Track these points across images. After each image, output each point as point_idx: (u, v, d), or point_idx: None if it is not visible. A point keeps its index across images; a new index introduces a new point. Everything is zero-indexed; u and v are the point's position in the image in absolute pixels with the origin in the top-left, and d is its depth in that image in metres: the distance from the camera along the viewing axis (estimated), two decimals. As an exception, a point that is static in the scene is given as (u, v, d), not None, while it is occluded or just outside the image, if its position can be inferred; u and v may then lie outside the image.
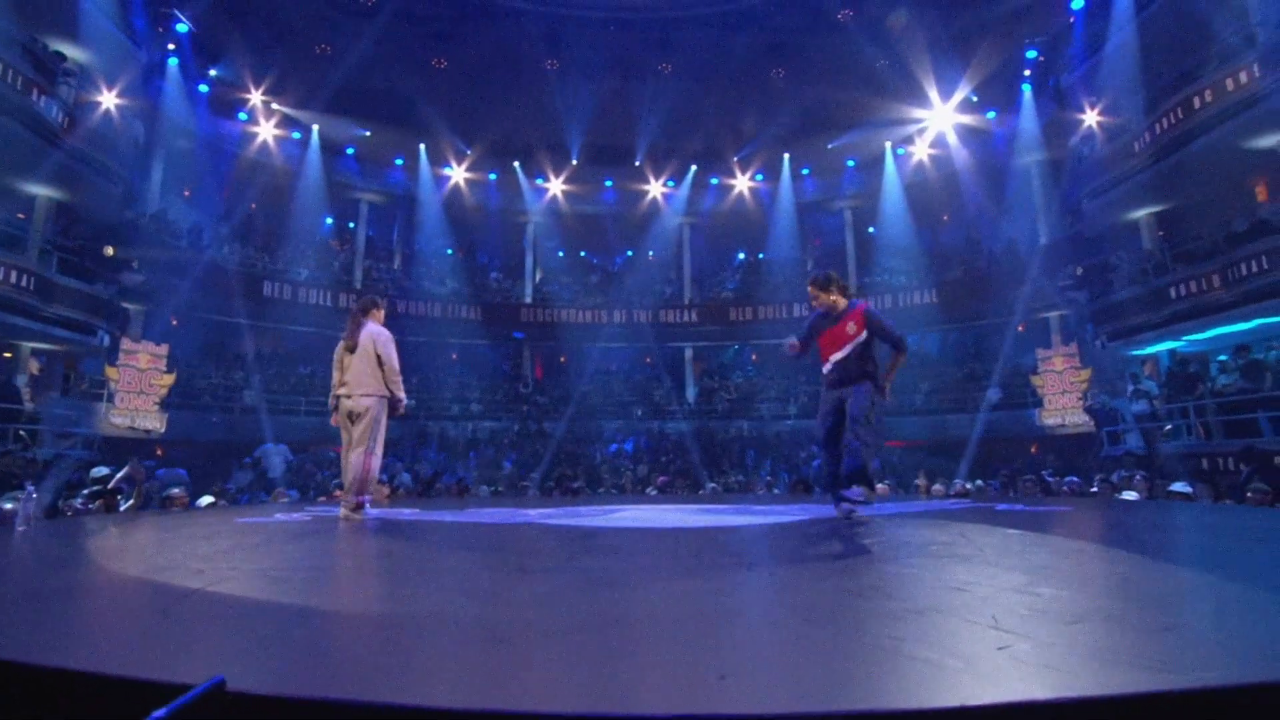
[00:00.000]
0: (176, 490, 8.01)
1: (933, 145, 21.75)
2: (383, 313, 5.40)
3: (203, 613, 1.84)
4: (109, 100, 14.21)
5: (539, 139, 23.95)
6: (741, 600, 2.10)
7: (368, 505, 5.11)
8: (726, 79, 23.37)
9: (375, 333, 5.09)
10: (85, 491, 7.25)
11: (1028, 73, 18.58)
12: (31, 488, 4.73)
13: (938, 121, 21.30)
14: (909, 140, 22.08)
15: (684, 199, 24.87)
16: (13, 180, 13.09)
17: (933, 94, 20.90)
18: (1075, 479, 10.32)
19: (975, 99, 20.32)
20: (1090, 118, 15.95)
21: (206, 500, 8.61)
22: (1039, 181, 18.78)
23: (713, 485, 14.51)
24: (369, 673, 1.33)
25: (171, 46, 16.67)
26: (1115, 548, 3.30)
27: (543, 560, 3.11)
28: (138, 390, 14.84)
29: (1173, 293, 13.37)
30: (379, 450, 5.08)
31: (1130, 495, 8.64)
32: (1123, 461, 11.77)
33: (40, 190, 13.67)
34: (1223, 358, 13.45)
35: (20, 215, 14.01)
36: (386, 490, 9.81)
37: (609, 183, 25.36)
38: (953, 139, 21.07)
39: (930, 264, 21.79)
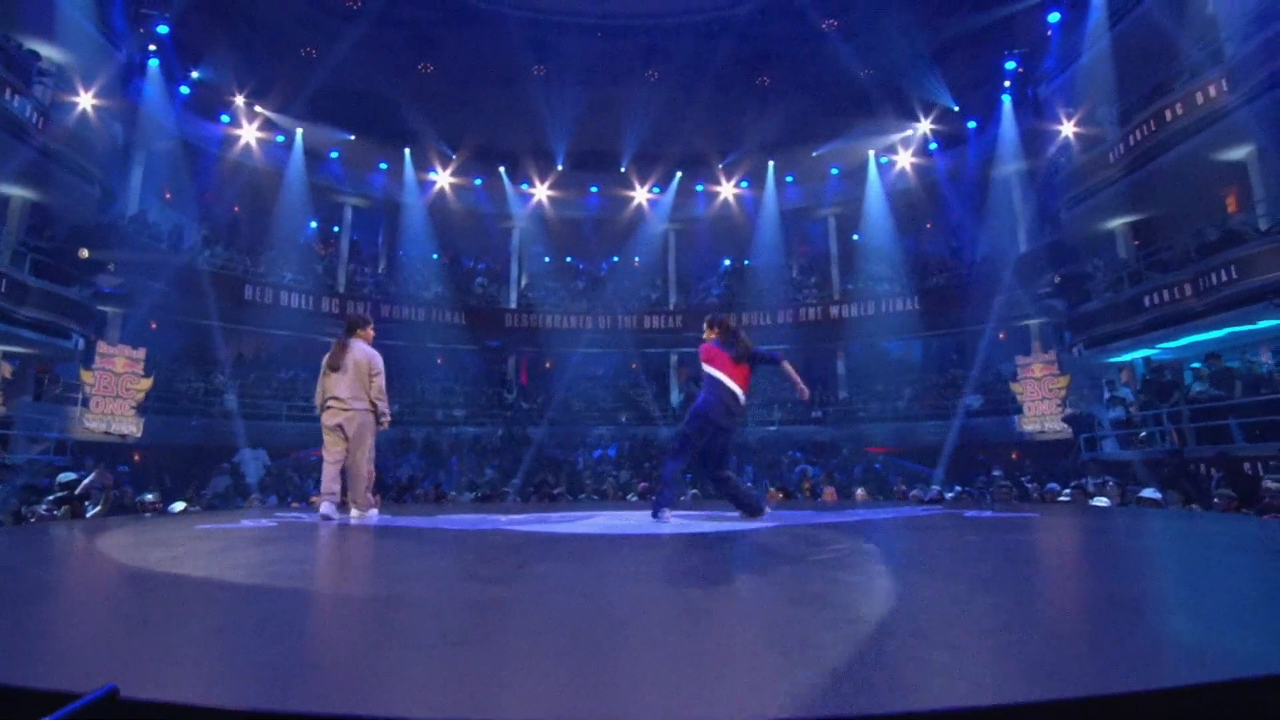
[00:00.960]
0: (150, 496, 7.90)
1: (915, 154, 21.99)
2: (371, 331, 5.54)
3: (116, 620, 1.82)
4: (86, 101, 14.07)
5: (524, 144, 23.95)
6: (661, 609, 2.10)
7: (327, 509, 5.14)
8: (712, 87, 23.46)
9: (368, 355, 5.31)
10: (50, 498, 7.14)
11: (1008, 84, 18.83)
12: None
13: (920, 131, 21.53)
14: (892, 149, 22.30)
15: (669, 205, 24.96)
16: (-14, 181, 12.93)
17: (915, 104, 21.14)
18: (1053, 485, 10.43)
19: (957, 109, 20.56)
20: (1067, 128, 16.19)
21: (179, 506, 8.50)
22: (1019, 191, 19.01)
23: (693, 492, 14.50)
24: (262, 680, 1.32)
25: (153, 48, 16.52)
26: (1066, 555, 3.33)
27: (493, 567, 3.10)
28: (114, 394, 14.67)
29: (1146, 301, 13.54)
30: (369, 458, 5.34)
31: (1101, 502, 8.74)
32: (1089, 468, 11.88)
33: (14, 190, 13.51)
34: (1196, 365, 13.66)
35: (-5, 217, 13.84)
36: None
37: (594, 188, 25.41)
38: (935, 148, 21.30)
39: (913, 271, 21.98)
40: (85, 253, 13.79)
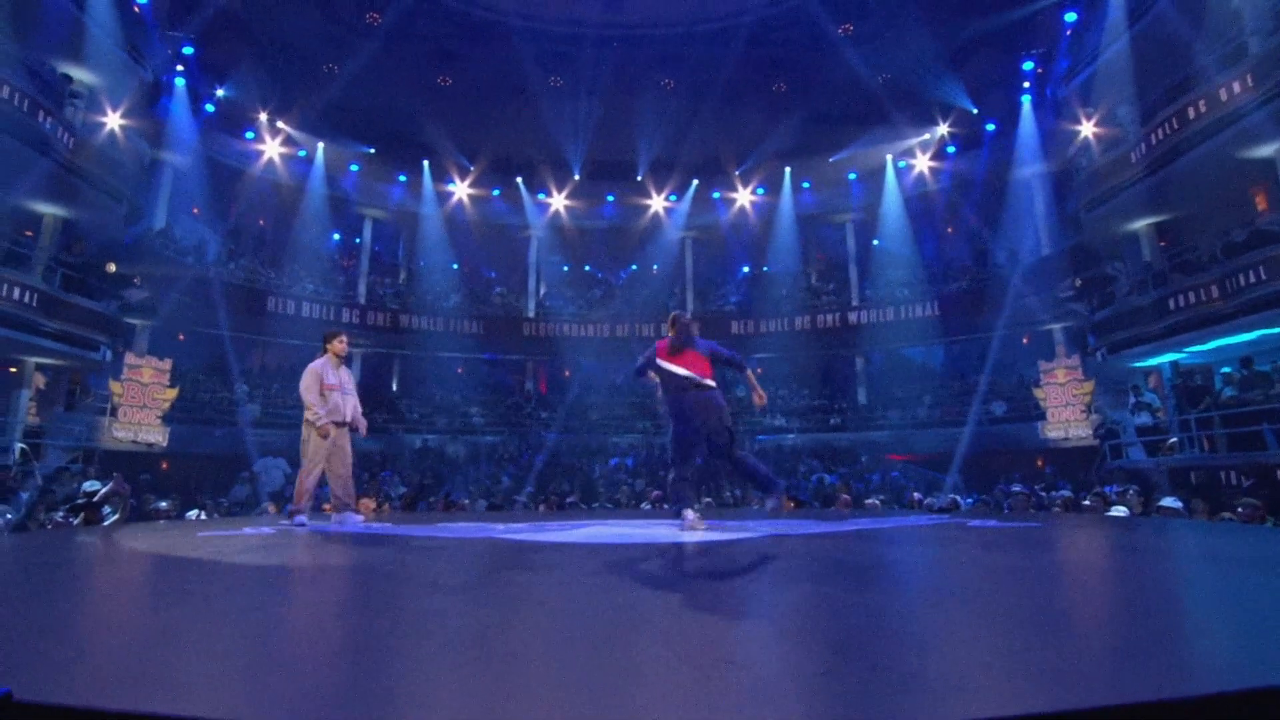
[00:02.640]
0: (164, 504, 8.09)
1: (934, 158, 21.73)
2: (338, 344, 5.82)
3: (20, 620, 1.86)
4: (114, 121, 14.56)
5: (541, 154, 24.18)
6: (612, 621, 2.09)
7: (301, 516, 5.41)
8: (728, 94, 23.48)
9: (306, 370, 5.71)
10: (66, 505, 7.35)
11: (1027, 85, 18.54)
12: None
13: (938, 134, 21.29)
14: (910, 153, 22.07)
15: (685, 213, 24.97)
16: (20, 199, 13.43)
17: (933, 107, 20.93)
18: (1067, 493, 10.16)
19: (975, 111, 20.29)
20: (1086, 128, 15.87)
21: (194, 513, 8.69)
22: (1040, 193, 18.66)
23: (707, 500, 14.42)
24: (145, 685, 1.34)
25: (180, 68, 17.07)
26: (1049, 569, 3.24)
27: (463, 575, 3.12)
28: (141, 404, 15.06)
29: (1171, 304, 13.19)
30: (307, 466, 5.54)
31: (1119, 511, 8.49)
32: (1114, 476, 11.56)
33: (47, 209, 14.02)
34: (1226, 369, 13.25)
35: (28, 233, 14.36)
36: (373, 505, 9.88)
37: (611, 197, 25.52)
38: (953, 151, 21.05)
39: (932, 276, 21.68)
40: (112, 267, 14.23)
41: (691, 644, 1.65)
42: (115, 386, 14.80)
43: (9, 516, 7.61)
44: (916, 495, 11.77)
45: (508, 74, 22.42)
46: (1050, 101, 17.39)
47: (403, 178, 23.34)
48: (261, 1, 18.58)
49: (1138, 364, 15.31)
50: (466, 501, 14.99)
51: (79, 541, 4.74)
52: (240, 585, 2.86)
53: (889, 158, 22.22)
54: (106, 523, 7.85)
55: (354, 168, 22.21)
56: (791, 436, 21.39)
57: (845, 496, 11.73)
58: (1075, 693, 1.19)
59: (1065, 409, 16.57)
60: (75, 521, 7.46)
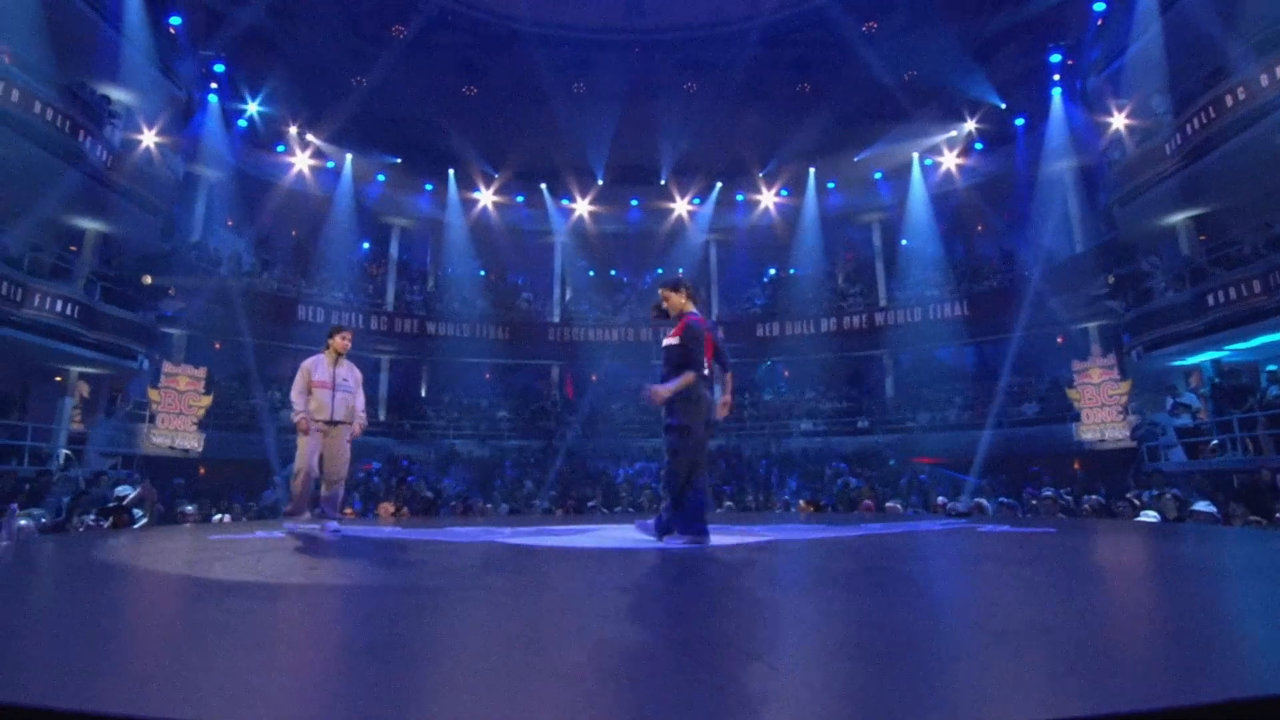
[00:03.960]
0: (190, 508, 8.34)
1: (961, 155, 21.28)
2: (339, 340, 5.68)
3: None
4: (150, 138, 15.12)
5: (565, 160, 24.34)
6: (565, 625, 2.09)
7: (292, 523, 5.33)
8: (751, 95, 23.35)
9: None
10: (95, 509, 7.63)
11: (1057, 77, 18.03)
12: (14, 506, 5.03)
13: (965, 130, 20.86)
14: (936, 151, 21.64)
15: (709, 216, 24.89)
16: (63, 215, 14.02)
17: (960, 103, 20.51)
18: (1097, 497, 9.83)
19: (1003, 106, 19.82)
20: (1118, 121, 15.37)
21: (218, 517, 8.95)
22: (1072, 188, 18.13)
23: (728, 504, 14.34)
24: (80, 680, 1.37)
25: (213, 86, 17.66)
26: (1040, 580, 3.14)
27: (440, 579, 3.15)
28: (177, 411, 15.59)
29: (1211, 300, 12.68)
30: (296, 467, 5.41)
31: (1150, 516, 8.18)
32: (1151, 479, 11.13)
33: (88, 224, 14.62)
34: (1272, 367, 12.67)
35: (72, 248, 14.99)
36: (391, 508, 10.04)
37: (635, 201, 25.58)
38: (981, 148, 20.60)
39: (961, 275, 21.22)
40: (148, 279, 14.77)
41: (609, 652, 1.64)
42: (153, 394, 15.34)
43: (44, 520, 7.87)
44: (941, 499, 11.50)
45: (530, 82, 22.64)
46: (1080, 94, 16.90)
47: (429, 186, 23.73)
48: (290, 18, 19.12)
49: (1176, 363, 14.75)
50: (489, 505, 15.15)
51: (93, 543, 4.92)
52: (192, 589, 2.93)
53: (915, 156, 21.83)
54: (136, 525, 8.14)
55: (381, 178, 22.67)
56: (818, 439, 21.12)
57: (868, 501, 11.54)
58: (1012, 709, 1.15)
59: (1100, 410, 16.05)
60: (105, 524, 7.75)
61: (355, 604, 2.40)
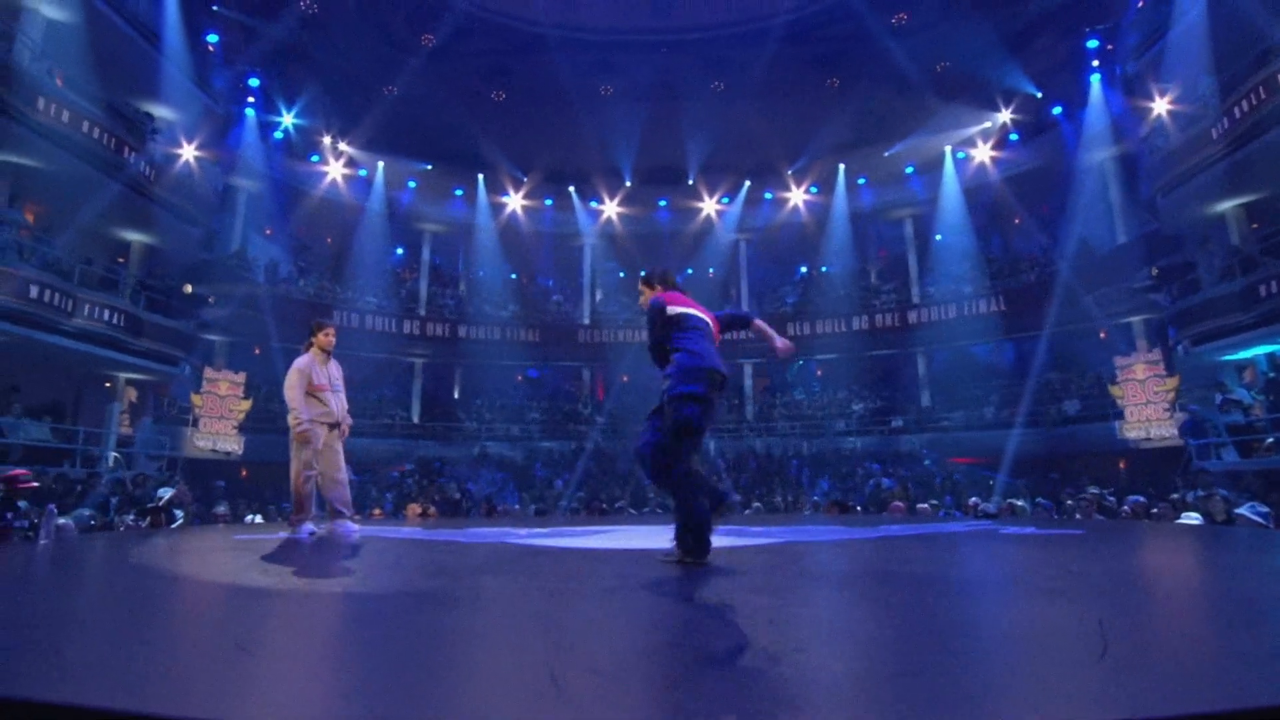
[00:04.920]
0: (221, 509, 8.60)
1: (996, 147, 20.71)
2: (324, 336, 5.46)
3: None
4: (190, 152, 15.67)
5: (593, 163, 24.44)
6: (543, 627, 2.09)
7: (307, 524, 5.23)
8: (779, 93, 23.14)
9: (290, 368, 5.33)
10: (135, 509, 7.92)
11: (1096, 63, 17.42)
12: (53, 506, 5.25)
13: (1000, 121, 20.32)
14: (970, 143, 21.11)
15: (738, 215, 24.74)
16: (110, 228, 14.63)
17: (994, 93, 19.99)
18: (1139, 498, 9.43)
19: (1039, 95, 19.24)
20: (1161, 106, 14.75)
21: (250, 518, 9.21)
22: (1112, 178, 17.48)
23: (756, 505, 14.22)
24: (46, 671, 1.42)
25: (250, 100, 18.24)
26: (1043, 587, 3.03)
27: (440, 580, 3.17)
28: (219, 415, 16.12)
29: (1263, 290, 12.08)
30: (302, 472, 5.19)
31: (1191, 518, 7.83)
32: (1199, 479, 10.65)
33: (133, 235, 15.22)
34: (1331, 362, 12.04)
35: (120, 260, 15.62)
36: (418, 509, 10.20)
37: (663, 202, 25.57)
38: (1016, 139, 20.04)
39: (997, 270, 20.65)
40: (189, 288, 15.31)
41: (579, 652, 1.63)
42: (196, 399, 15.89)
43: (93, 520, 8.20)
44: (974, 500, 11.20)
45: (558, 85, 22.79)
46: (1120, 80, 16.29)
47: (459, 191, 24.09)
48: (322, 31, 19.62)
49: (1227, 357, 14.10)
50: (516, 507, 15.30)
51: (125, 542, 5.11)
52: (224, 582, 3.01)
53: (947, 149, 21.35)
54: (174, 525, 8.43)
55: (412, 184, 23.11)
56: (851, 439, 20.79)
57: (897, 503, 11.30)
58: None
59: (1146, 407, 15.44)
60: (144, 524, 8.05)
61: (327, 606, 2.44)
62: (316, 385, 5.25)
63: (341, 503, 5.31)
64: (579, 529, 6.58)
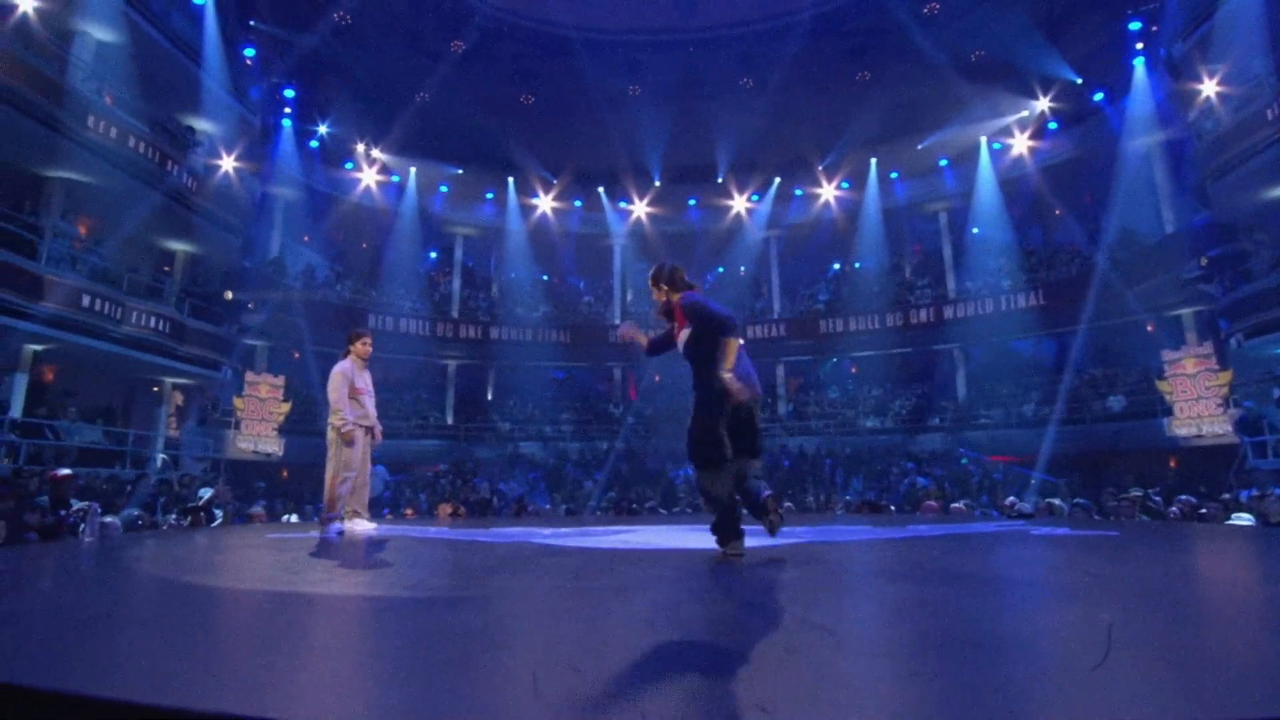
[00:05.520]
0: (257, 508, 8.85)
1: (1033, 136, 20.10)
2: (361, 345, 5.66)
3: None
4: (229, 163, 16.18)
5: (622, 164, 24.50)
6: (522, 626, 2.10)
7: (346, 524, 5.36)
8: (808, 87, 22.88)
9: (333, 372, 5.48)
10: (177, 509, 8.21)
11: (1140, 45, 16.79)
12: (96, 506, 5.47)
13: (1038, 110, 19.74)
14: (1006, 133, 20.55)
15: (768, 212, 24.53)
16: (155, 238, 15.21)
17: (1031, 81, 19.43)
18: (1187, 497, 9.05)
19: (1079, 81, 18.62)
20: (1209, 88, 14.13)
21: (286, 517, 9.47)
22: (1158, 165, 16.81)
23: (787, 504, 14.05)
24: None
25: (286, 111, 18.78)
26: (1053, 589, 2.92)
27: (453, 579, 3.22)
28: (259, 418, 16.59)
29: (1322, 280, 11.49)
30: (343, 473, 5.35)
31: (1244, 519, 7.49)
32: (1254, 478, 10.18)
33: (178, 245, 15.79)
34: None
35: (165, 269, 16.21)
36: (449, 510, 10.36)
37: (692, 201, 25.51)
38: (1055, 127, 19.44)
39: (1037, 264, 20.05)
40: (229, 295, 15.82)
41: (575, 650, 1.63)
42: (238, 402, 16.40)
43: (140, 519, 8.51)
44: (1010, 499, 10.88)
45: (586, 87, 22.90)
46: (1165, 62, 15.65)
47: (490, 195, 24.40)
48: (354, 41, 20.08)
49: (1284, 350, 13.46)
50: (547, 506, 15.42)
51: (163, 540, 5.29)
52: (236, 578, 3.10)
53: (983, 140, 20.81)
54: (214, 524, 8.72)
55: (443, 188, 23.50)
56: (885, 437, 20.43)
57: (930, 502, 11.06)
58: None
59: (1197, 403, 14.79)
60: (186, 523, 8.34)
61: (328, 606, 2.48)
62: (356, 389, 5.47)
63: (361, 504, 5.52)
64: (604, 529, 6.58)
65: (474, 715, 1.20)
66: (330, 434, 5.38)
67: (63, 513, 7.00)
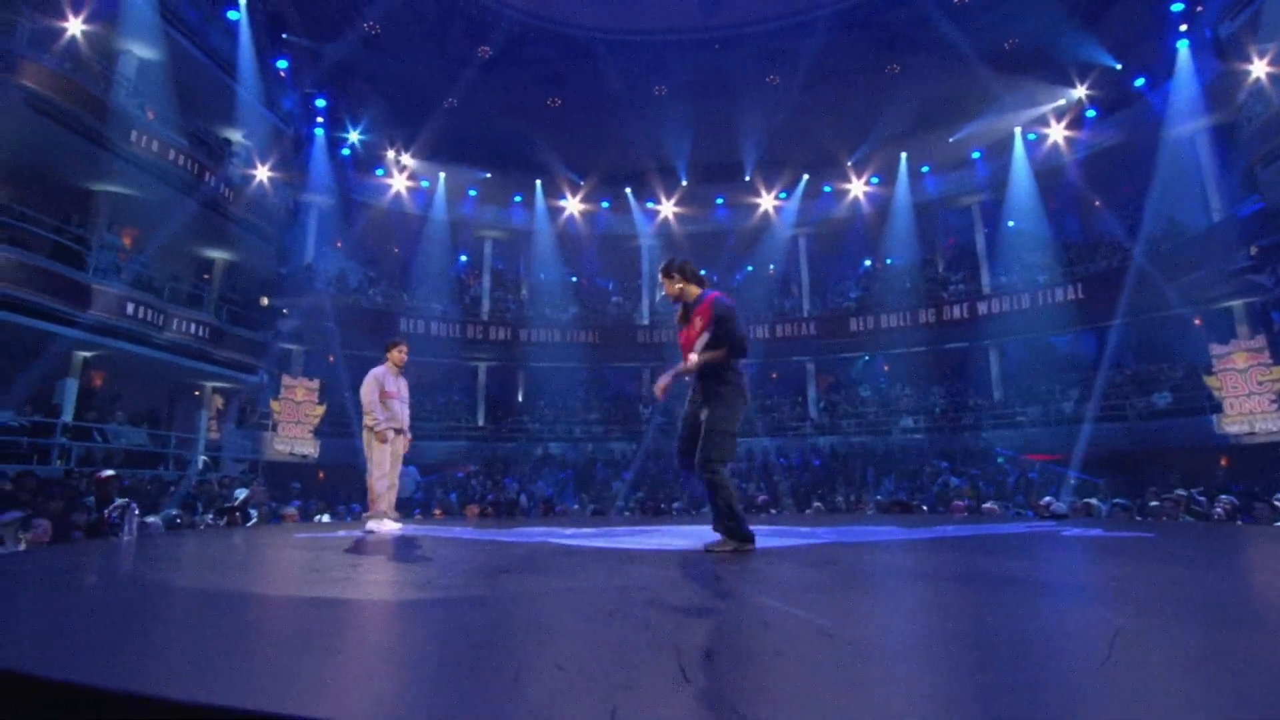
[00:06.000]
0: (290, 509, 9.07)
1: (1071, 125, 19.51)
2: (398, 353, 5.94)
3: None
4: (263, 173, 16.62)
5: (648, 163, 24.50)
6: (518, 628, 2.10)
7: (374, 523, 5.52)
8: (836, 82, 22.58)
9: (367, 378, 5.77)
10: (213, 509, 8.46)
11: (1183, 28, 16.17)
12: (134, 505, 5.66)
13: (1075, 97, 19.15)
14: (1042, 122, 19.98)
15: (796, 210, 24.29)
16: (194, 246, 15.70)
17: (1067, 68, 18.86)
18: (1230, 498, 8.69)
19: (1119, 67, 18.01)
20: (1259, 69, 13.54)
21: (319, 517, 9.68)
22: (1205, 151, 16.16)
23: (817, 504, 13.89)
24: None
25: (319, 120, 19.24)
26: (1064, 592, 2.83)
27: (461, 578, 3.24)
28: (295, 420, 17.01)
29: (1381, 268, 10.92)
30: (376, 473, 5.63)
31: (1292, 518, 7.16)
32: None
33: (216, 253, 16.27)
34: None
35: (205, 276, 16.73)
36: (476, 510, 10.48)
37: (719, 200, 25.39)
38: (1093, 115, 18.84)
39: (1075, 256, 19.46)
40: (265, 301, 16.26)
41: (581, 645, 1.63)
42: (274, 405, 16.84)
43: (179, 519, 8.77)
44: (1046, 499, 10.57)
45: (611, 89, 22.97)
46: (1211, 44, 15.04)
47: (518, 198, 24.63)
48: (383, 50, 20.46)
49: (1342, 342, 12.82)
50: (575, 506, 15.49)
51: (198, 539, 5.46)
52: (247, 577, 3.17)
53: (1017, 130, 20.28)
54: (249, 524, 8.96)
55: (472, 192, 23.81)
56: (918, 436, 20.04)
57: (958, 502, 10.82)
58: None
59: (1248, 399, 14.20)
60: (222, 523, 8.59)
61: (326, 605, 2.52)
62: (388, 393, 5.74)
63: (388, 504, 5.70)
64: (627, 529, 6.57)
65: (462, 714, 1.20)
66: (365, 435, 5.67)
67: (105, 511, 7.29)
